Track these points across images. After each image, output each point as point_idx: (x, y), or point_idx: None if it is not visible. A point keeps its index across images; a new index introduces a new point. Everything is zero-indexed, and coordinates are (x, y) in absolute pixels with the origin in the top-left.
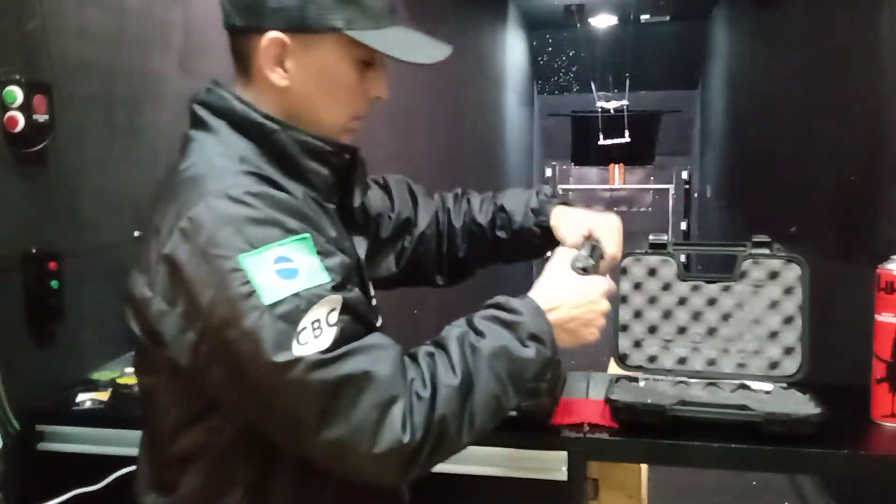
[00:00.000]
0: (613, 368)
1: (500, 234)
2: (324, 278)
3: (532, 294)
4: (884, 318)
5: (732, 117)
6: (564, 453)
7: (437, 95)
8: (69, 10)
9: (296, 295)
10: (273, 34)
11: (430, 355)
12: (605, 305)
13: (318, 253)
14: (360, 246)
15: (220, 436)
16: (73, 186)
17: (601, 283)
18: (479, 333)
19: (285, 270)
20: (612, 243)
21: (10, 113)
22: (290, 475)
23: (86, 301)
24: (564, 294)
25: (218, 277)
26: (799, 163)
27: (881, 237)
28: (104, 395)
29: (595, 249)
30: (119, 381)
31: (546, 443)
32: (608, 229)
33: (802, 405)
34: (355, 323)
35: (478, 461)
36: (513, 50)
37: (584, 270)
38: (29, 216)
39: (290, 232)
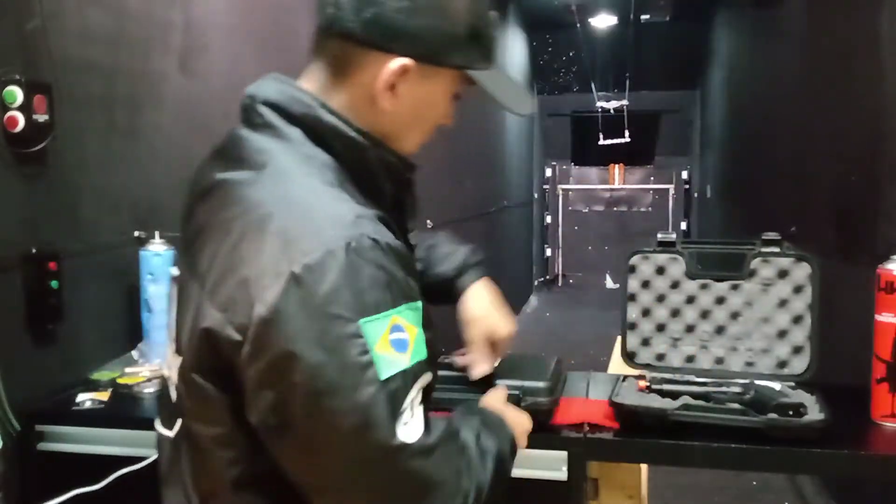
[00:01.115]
0: (614, 368)
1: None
2: (423, 353)
3: (502, 410)
4: (884, 318)
5: (732, 117)
6: (564, 453)
7: None
8: (69, 10)
9: (405, 371)
10: (403, 60)
11: (465, 447)
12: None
13: (423, 325)
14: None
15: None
16: (73, 186)
17: (526, 417)
18: (486, 438)
19: (398, 341)
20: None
21: (10, 113)
22: None
23: (86, 301)
24: (511, 416)
25: (333, 340)
26: (799, 163)
27: (881, 237)
28: (104, 395)
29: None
30: (119, 381)
31: (546, 443)
32: (503, 340)
33: (809, 407)
34: (427, 402)
35: None
36: (513, 50)
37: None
38: (29, 216)
39: (407, 298)
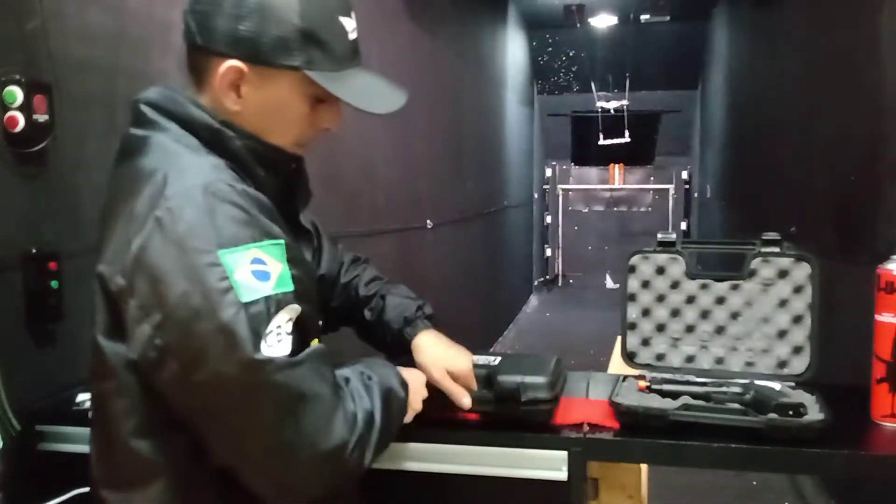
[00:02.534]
0: (614, 368)
1: (367, 314)
2: (289, 286)
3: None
4: (884, 318)
5: (732, 117)
6: (564, 453)
7: (437, 95)
8: (69, 10)
9: (267, 298)
10: (232, 62)
11: (344, 378)
12: (418, 404)
13: (289, 260)
14: (307, 250)
15: (177, 452)
16: (73, 186)
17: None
18: (369, 373)
19: (260, 272)
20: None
21: (10, 113)
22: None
23: (86, 301)
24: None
25: (193, 270)
26: (799, 163)
27: (881, 237)
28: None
29: None
30: None
31: (546, 443)
32: (463, 372)
33: (809, 407)
34: (304, 334)
35: (478, 461)
36: (513, 50)
37: None
38: (29, 216)
39: (267, 235)
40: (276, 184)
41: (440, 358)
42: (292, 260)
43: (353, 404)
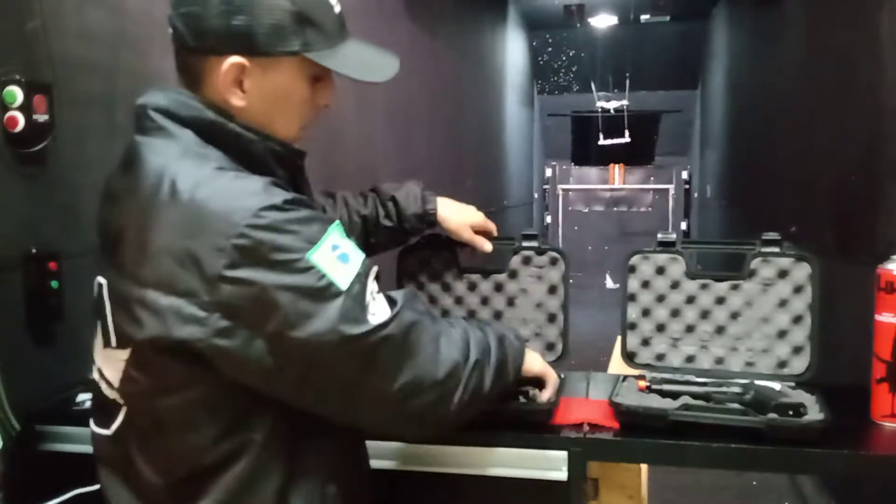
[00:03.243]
0: (614, 368)
1: (387, 222)
2: (362, 255)
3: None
4: (884, 318)
5: (732, 117)
6: (564, 453)
7: (437, 95)
8: (69, 10)
9: (358, 275)
10: (235, 59)
11: (455, 319)
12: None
13: (348, 235)
14: None
15: (254, 441)
16: (73, 186)
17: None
18: (481, 326)
19: (342, 255)
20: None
21: (10, 113)
22: (316, 470)
23: (86, 301)
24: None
25: (294, 279)
26: (799, 163)
27: (881, 237)
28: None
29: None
30: None
31: (546, 443)
32: (481, 222)
33: (809, 407)
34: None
35: (478, 461)
36: (513, 50)
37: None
38: (29, 216)
39: (328, 221)
40: (289, 182)
41: (463, 217)
42: (348, 233)
43: (461, 332)
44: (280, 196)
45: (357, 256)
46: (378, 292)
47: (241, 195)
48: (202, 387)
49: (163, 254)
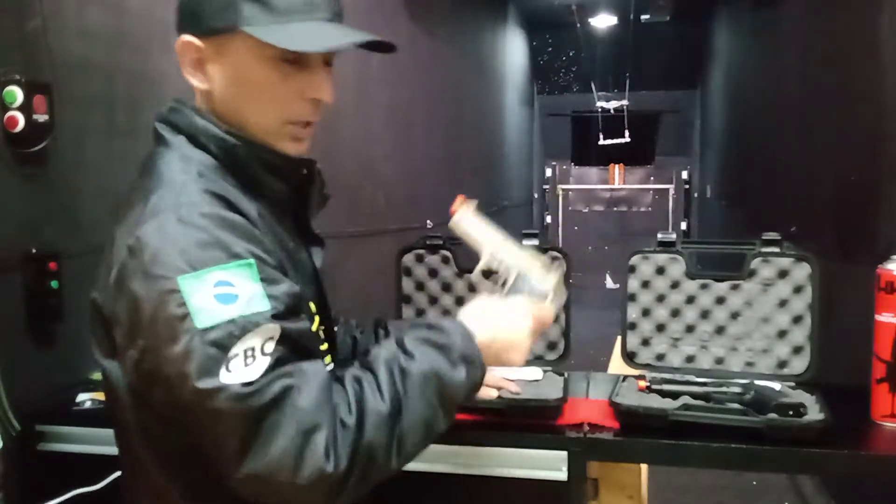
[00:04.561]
0: (614, 368)
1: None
2: (264, 306)
3: (461, 316)
4: (884, 318)
5: (732, 117)
6: (564, 453)
7: (437, 95)
8: (69, 10)
9: (231, 321)
10: (185, 38)
11: (358, 380)
12: (528, 322)
13: (262, 280)
14: (317, 256)
15: (190, 465)
16: (73, 186)
17: (527, 308)
18: (408, 355)
19: (224, 295)
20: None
21: (10, 113)
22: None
23: (86, 301)
24: (491, 317)
25: (157, 297)
26: (799, 163)
27: (881, 237)
28: (104, 395)
29: (525, 278)
30: None
31: (546, 443)
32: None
33: (809, 407)
34: (292, 353)
35: (478, 461)
36: (513, 50)
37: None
38: (29, 216)
39: (234, 256)
40: (287, 192)
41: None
42: (267, 279)
43: (350, 412)
44: (195, 208)
45: (252, 305)
46: (268, 355)
47: (164, 195)
48: (128, 398)
49: (108, 248)
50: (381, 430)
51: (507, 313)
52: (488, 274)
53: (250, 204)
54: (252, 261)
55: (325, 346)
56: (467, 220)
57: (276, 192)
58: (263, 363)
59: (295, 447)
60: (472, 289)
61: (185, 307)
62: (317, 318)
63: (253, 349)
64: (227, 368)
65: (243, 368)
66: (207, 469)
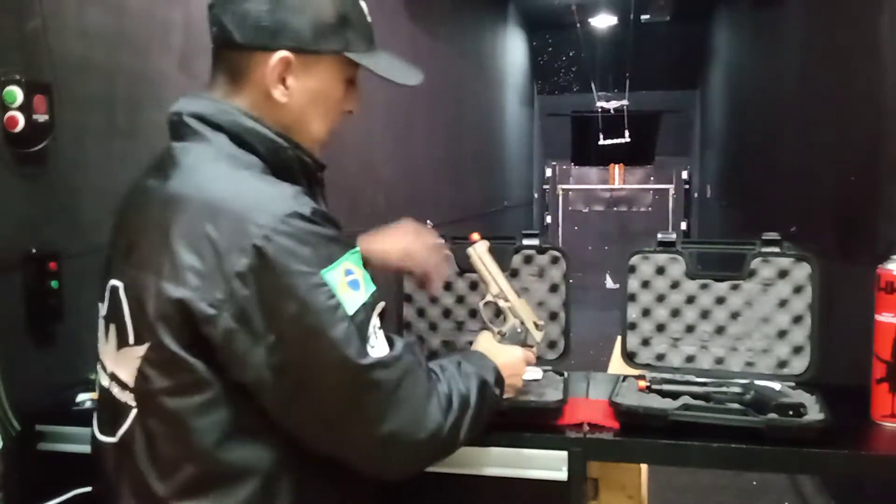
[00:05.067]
0: (614, 368)
1: None
2: (373, 286)
3: (481, 349)
4: (884, 318)
5: (732, 117)
6: (564, 453)
7: (437, 95)
8: (69, 10)
9: (364, 305)
10: (282, 53)
11: (443, 367)
12: (524, 368)
13: (364, 264)
14: None
15: (261, 466)
16: (73, 186)
17: (520, 351)
18: (467, 365)
19: (353, 282)
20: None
21: (10, 113)
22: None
23: (86, 301)
24: (501, 358)
25: (302, 292)
26: (799, 163)
27: (881, 237)
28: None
29: (519, 328)
30: None
31: (546, 443)
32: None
33: (809, 407)
34: (382, 322)
35: (478, 461)
36: (513, 50)
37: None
38: (29, 216)
39: (349, 245)
40: (308, 192)
41: (390, 245)
42: (364, 261)
43: (447, 388)
44: (308, 206)
45: (367, 287)
46: (380, 328)
47: (271, 198)
48: (213, 389)
49: (182, 243)
50: (463, 404)
51: (509, 352)
52: (490, 310)
53: None
54: (357, 247)
55: None
56: (485, 253)
57: (304, 191)
58: (382, 336)
59: (421, 408)
60: (474, 286)
61: (335, 298)
62: None
63: (375, 326)
64: (371, 345)
65: (377, 343)
66: (284, 455)
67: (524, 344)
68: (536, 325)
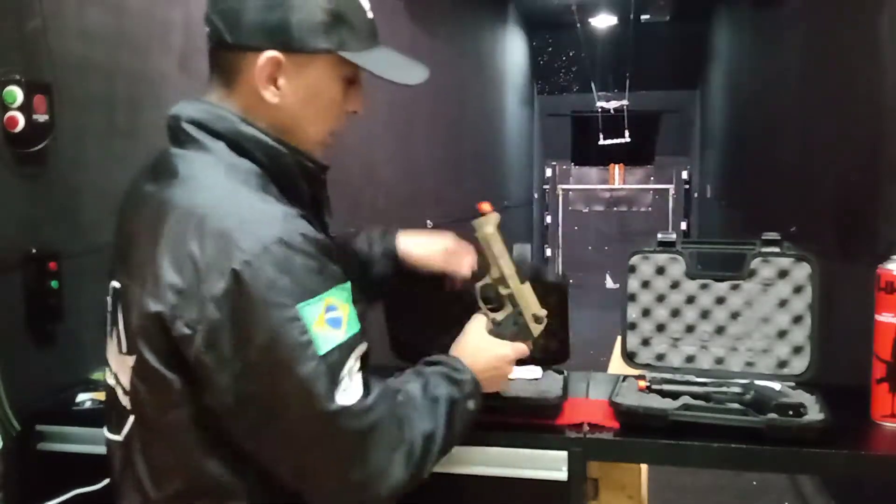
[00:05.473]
0: (614, 368)
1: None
2: (357, 326)
3: (460, 353)
4: (884, 318)
5: (732, 117)
6: (564, 453)
7: (437, 95)
8: (69, 10)
9: (341, 345)
10: (271, 53)
11: (407, 401)
12: (510, 368)
13: (352, 301)
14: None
15: (254, 474)
16: (73, 186)
17: (509, 349)
18: (434, 385)
19: (333, 319)
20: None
21: (10, 113)
22: None
23: (86, 301)
24: (485, 355)
25: (275, 324)
26: (799, 163)
27: (881, 237)
28: (104, 396)
29: (516, 319)
30: None
31: (546, 443)
32: (455, 249)
33: (809, 407)
34: (364, 365)
35: (478, 461)
36: (513, 50)
37: (500, 334)
38: (29, 216)
39: (336, 280)
40: (311, 196)
41: (429, 247)
42: (353, 299)
43: (413, 432)
44: (297, 232)
45: (350, 327)
46: (359, 371)
47: (259, 220)
48: (193, 406)
49: (166, 258)
50: (428, 447)
51: (496, 352)
52: (487, 294)
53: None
54: (347, 283)
55: None
56: (493, 229)
57: (306, 195)
58: (359, 380)
59: (387, 460)
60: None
61: (308, 334)
62: None
63: (352, 368)
64: (342, 389)
65: (350, 388)
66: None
67: (518, 337)
68: (536, 318)
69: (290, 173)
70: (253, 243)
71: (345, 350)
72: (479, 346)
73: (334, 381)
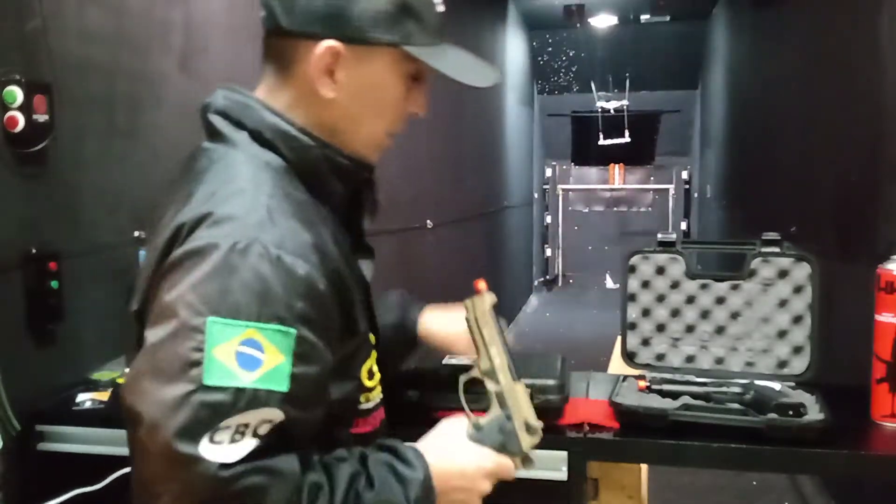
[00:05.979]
0: (614, 368)
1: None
2: (281, 385)
3: (425, 449)
4: (884, 318)
5: (732, 117)
6: (564, 453)
7: (438, 95)
8: (69, 10)
9: (241, 390)
10: (329, 43)
11: (319, 488)
12: (487, 486)
13: (296, 355)
14: (368, 269)
15: None
16: (73, 186)
17: (489, 461)
18: (369, 480)
19: (248, 357)
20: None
21: (10, 113)
22: None
23: (86, 301)
24: (454, 461)
25: (178, 326)
26: (799, 163)
27: (881, 237)
28: (104, 395)
29: (503, 425)
30: (119, 380)
31: (546, 443)
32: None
33: (809, 407)
34: (280, 441)
35: None
36: (513, 50)
37: (481, 441)
38: (29, 216)
39: (278, 319)
40: (344, 194)
41: (455, 328)
42: (302, 356)
43: None
44: (269, 245)
45: (270, 381)
46: (255, 437)
47: (235, 216)
48: None
49: (146, 273)
50: None
51: (471, 461)
52: (473, 387)
53: (319, 211)
54: (294, 330)
55: (373, 382)
56: (484, 311)
57: (339, 195)
58: (249, 445)
59: None
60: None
61: (202, 353)
62: (373, 354)
63: (246, 426)
64: (212, 439)
65: (227, 445)
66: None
67: (505, 449)
68: (529, 428)
69: (318, 169)
70: (206, 236)
71: (244, 400)
72: (448, 449)
73: (204, 423)
